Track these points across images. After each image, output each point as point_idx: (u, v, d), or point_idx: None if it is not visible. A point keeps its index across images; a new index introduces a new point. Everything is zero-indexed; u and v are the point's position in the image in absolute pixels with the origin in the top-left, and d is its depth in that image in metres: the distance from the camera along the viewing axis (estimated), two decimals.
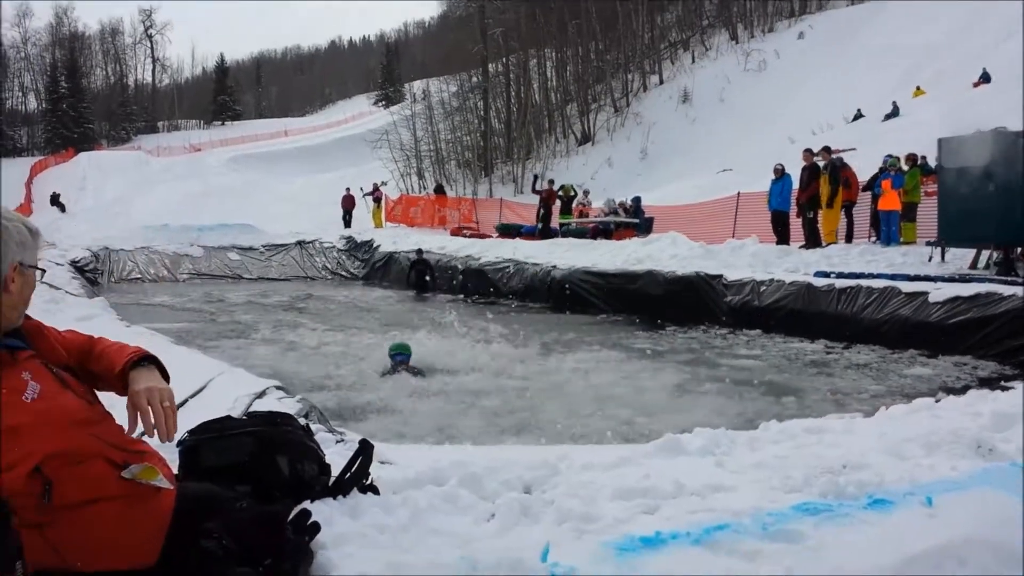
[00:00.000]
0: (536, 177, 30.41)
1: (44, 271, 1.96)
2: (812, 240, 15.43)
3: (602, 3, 52.56)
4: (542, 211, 23.91)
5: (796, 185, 15.95)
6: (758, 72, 46.53)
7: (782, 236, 16.01)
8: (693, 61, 52.93)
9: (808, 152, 16.39)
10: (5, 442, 1.64)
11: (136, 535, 1.93)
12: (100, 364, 2.12)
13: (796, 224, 16.07)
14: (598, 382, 8.97)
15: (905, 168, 15.62)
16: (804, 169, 15.86)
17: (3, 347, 1.79)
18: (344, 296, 20.46)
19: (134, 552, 1.93)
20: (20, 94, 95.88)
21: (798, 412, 7.13)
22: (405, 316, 15.98)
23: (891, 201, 15.08)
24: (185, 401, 4.64)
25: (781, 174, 16.17)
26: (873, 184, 15.76)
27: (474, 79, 52.39)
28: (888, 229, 15.11)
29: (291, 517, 2.19)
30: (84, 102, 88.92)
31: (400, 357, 9.21)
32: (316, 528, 2.18)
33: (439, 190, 35.41)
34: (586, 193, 26.30)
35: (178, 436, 2.29)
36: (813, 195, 15.54)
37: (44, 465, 1.72)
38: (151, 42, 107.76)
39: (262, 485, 2.33)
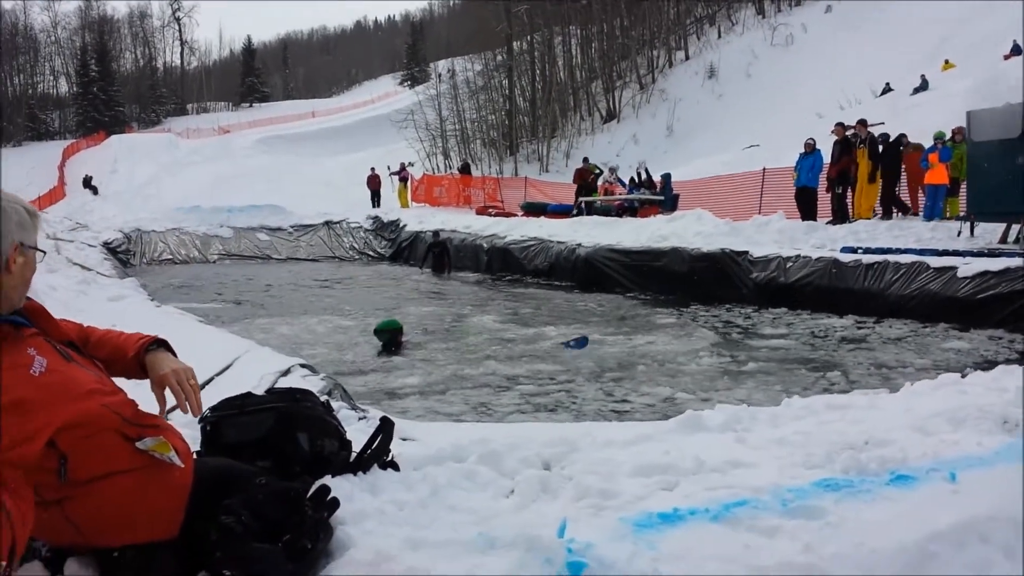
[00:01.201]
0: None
1: (44, 252, 1.99)
2: (840, 215, 15.22)
3: None
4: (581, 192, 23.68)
5: (827, 160, 15.71)
6: (785, 47, 45.76)
7: (807, 212, 15.77)
8: (719, 36, 52.12)
9: (840, 126, 16.09)
10: (17, 416, 1.66)
11: (154, 508, 1.95)
12: (103, 351, 2.15)
13: (823, 200, 15.84)
14: (632, 361, 8.94)
15: (948, 141, 15.27)
16: (836, 143, 15.58)
17: (7, 322, 1.81)
18: (372, 275, 20.57)
19: (153, 526, 1.96)
20: (51, 78, 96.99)
21: (846, 388, 7.08)
22: (434, 295, 16.05)
23: (939, 175, 14.73)
24: (212, 379, 4.70)
25: (812, 149, 15.87)
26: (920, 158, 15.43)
27: (499, 57, 52.03)
28: (933, 204, 14.82)
29: (311, 493, 2.20)
30: (114, 85, 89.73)
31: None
32: (335, 504, 2.20)
33: (465, 169, 35.35)
34: (612, 171, 26.00)
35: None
36: (843, 170, 15.31)
37: (58, 438, 1.74)
38: (179, 25, 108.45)
39: (282, 461, 2.35)
